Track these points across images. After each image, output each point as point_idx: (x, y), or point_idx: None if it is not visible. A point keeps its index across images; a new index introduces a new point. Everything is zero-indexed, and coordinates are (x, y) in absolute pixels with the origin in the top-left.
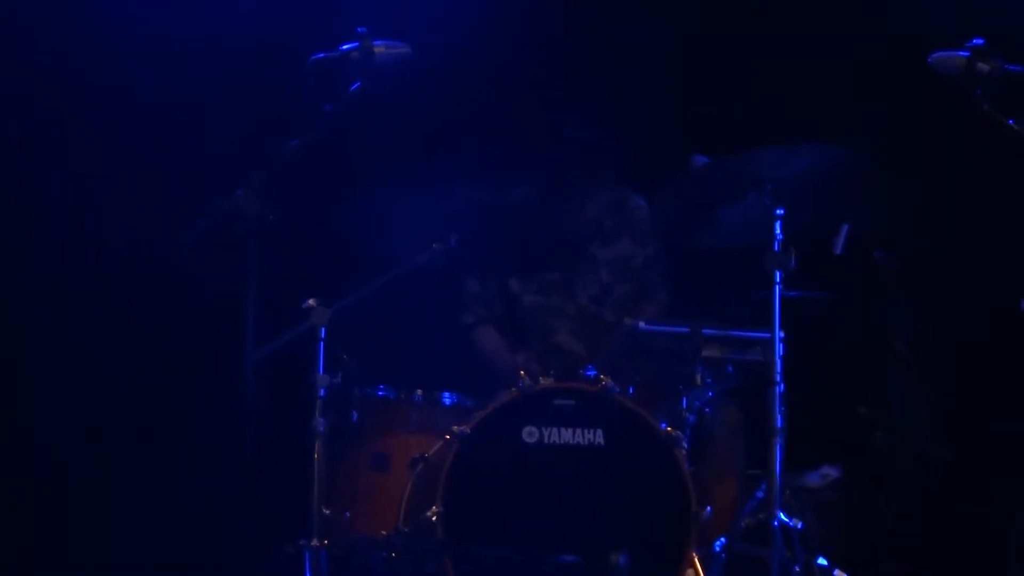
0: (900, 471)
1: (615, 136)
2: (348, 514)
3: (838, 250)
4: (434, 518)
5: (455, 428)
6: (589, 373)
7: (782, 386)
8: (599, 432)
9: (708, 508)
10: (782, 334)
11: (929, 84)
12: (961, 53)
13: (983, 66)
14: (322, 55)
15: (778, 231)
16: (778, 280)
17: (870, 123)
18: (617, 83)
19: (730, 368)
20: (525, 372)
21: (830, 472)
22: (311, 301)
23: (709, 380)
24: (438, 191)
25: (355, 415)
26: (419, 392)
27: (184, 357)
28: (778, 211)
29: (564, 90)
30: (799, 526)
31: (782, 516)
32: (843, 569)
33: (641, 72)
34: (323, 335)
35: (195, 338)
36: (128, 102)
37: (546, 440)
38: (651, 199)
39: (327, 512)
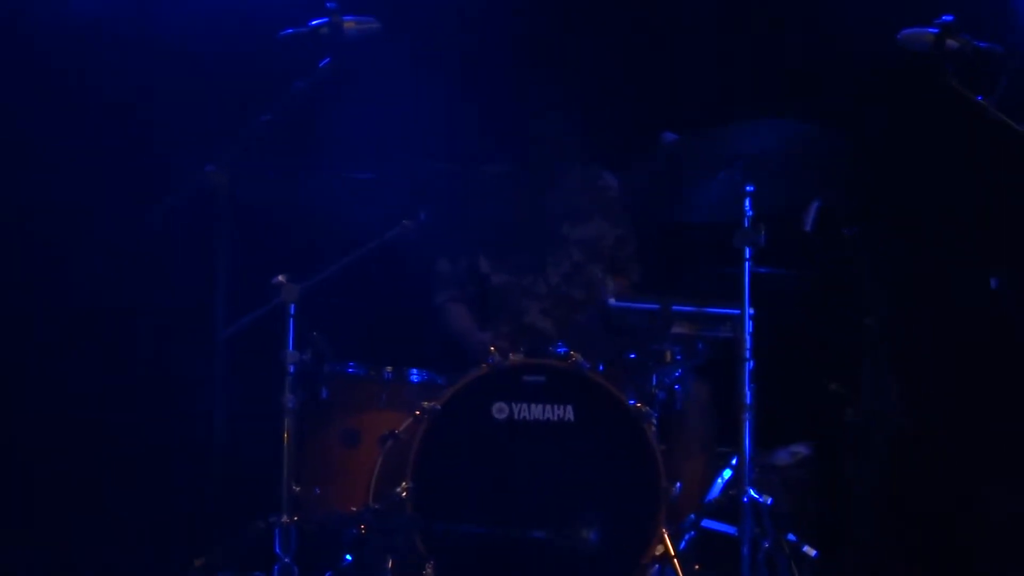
0: (870, 448)
1: (583, 113)
2: (318, 490)
3: (808, 227)
4: (404, 494)
5: (425, 404)
6: (559, 350)
7: (752, 363)
8: (569, 408)
9: (678, 484)
10: (752, 311)
11: (899, 60)
12: (930, 30)
13: (952, 43)
14: (291, 30)
15: (748, 208)
16: (748, 256)
17: (839, 99)
18: (585, 60)
19: (700, 345)
20: (495, 348)
21: (800, 450)
22: (280, 277)
23: (679, 357)
24: (407, 167)
25: (325, 392)
26: (389, 369)
27: (154, 334)
28: (748, 188)
29: (531, 67)
30: (769, 502)
31: (752, 492)
32: (812, 546)
33: (609, 48)
34: (293, 312)
35: (165, 315)
36: (93, 79)
37: (516, 416)
38: (621, 176)
39: (297, 488)
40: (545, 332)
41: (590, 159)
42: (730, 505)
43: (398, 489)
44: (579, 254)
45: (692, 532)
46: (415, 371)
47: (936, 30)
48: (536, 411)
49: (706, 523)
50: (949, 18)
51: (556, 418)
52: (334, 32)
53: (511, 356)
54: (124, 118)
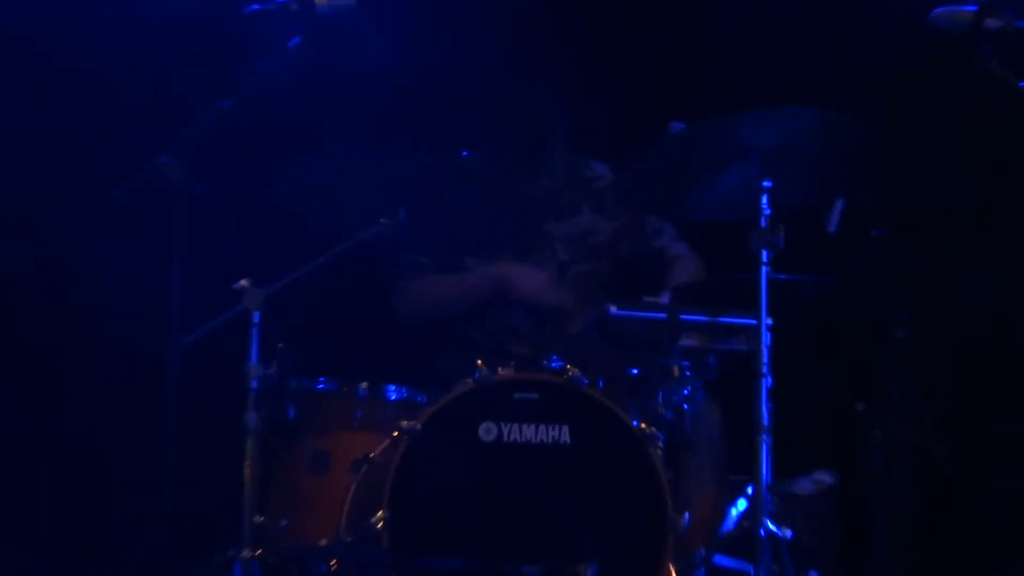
0: (900, 475)
1: (575, 100)
2: (284, 521)
3: (832, 228)
4: (380, 525)
5: (404, 424)
6: (554, 364)
7: (770, 379)
8: (565, 429)
9: (687, 515)
10: (770, 321)
11: (932, 41)
12: (968, 8)
13: (993, 22)
14: (257, 6)
15: (765, 205)
16: (765, 260)
17: (866, 85)
18: (578, 37)
19: (711, 359)
20: (483, 362)
21: (823, 477)
22: (243, 282)
23: (688, 372)
24: (386, 158)
25: (292, 410)
26: (364, 385)
27: (101, 343)
28: (765, 183)
29: (516, 45)
30: (788, 536)
31: (769, 525)
32: None
33: (604, 25)
34: (256, 320)
35: (113, 322)
36: (33, 56)
37: (505, 438)
38: (620, 170)
39: (260, 519)
40: (531, 337)
41: (579, 149)
42: (745, 539)
43: (373, 519)
44: (565, 252)
45: (703, 569)
46: (393, 387)
47: (975, 8)
48: (528, 432)
49: (718, 559)
50: None
51: (550, 440)
52: (305, 8)
53: (500, 371)
54: (67, 102)
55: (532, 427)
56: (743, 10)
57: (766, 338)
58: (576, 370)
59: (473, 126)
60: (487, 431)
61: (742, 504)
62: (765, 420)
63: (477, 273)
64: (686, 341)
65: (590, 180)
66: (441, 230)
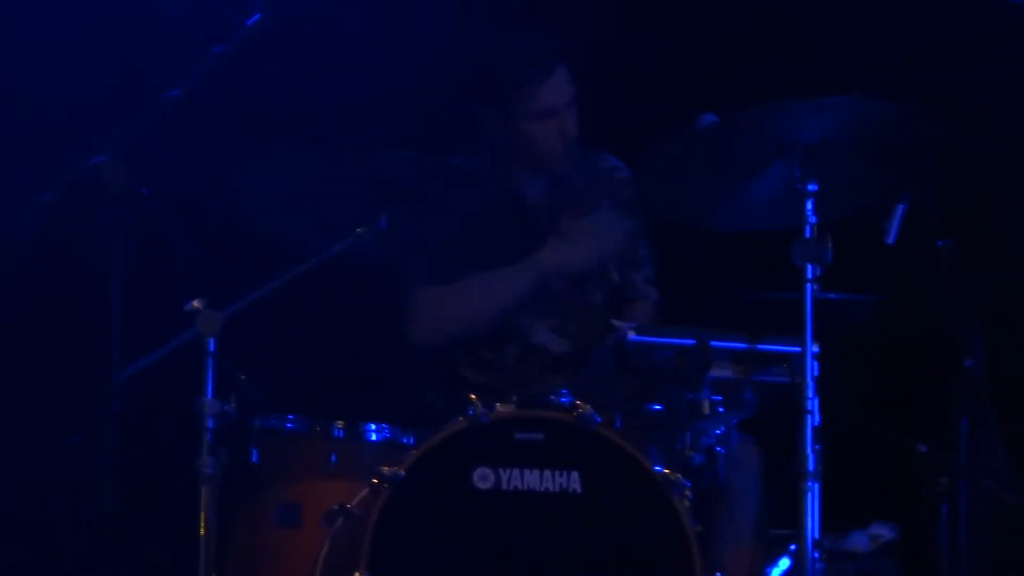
0: (971, 528)
1: (586, 90)
2: None
3: (891, 239)
4: None
5: (385, 470)
6: (562, 399)
7: (816, 417)
8: (575, 475)
9: None
10: (816, 348)
11: (1011, 19)
12: None
13: None
14: None
15: (810, 213)
16: (811, 277)
17: (931, 69)
18: (589, 17)
19: (748, 393)
20: (476, 397)
21: (881, 531)
22: (196, 303)
23: (721, 409)
24: (363, 157)
25: (255, 454)
26: (339, 424)
27: (28, 376)
28: (810, 186)
29: (519, 25)
30: None
31: None
32: None
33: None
34: (212, 348)
35: (43, 351)
36: None
37: (504, 485)
38: (639, 169)
39: None
40: (560, 354)
41: (592, 146)
42: None
43: None
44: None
45: None
46: (373, 427)
47: None
48: (531, 479)
49: None
50: None
51: (558, 488)
52: None
53: (499, 406)
54: None
55: (536, 473)
56: None
57: (812, 368)
58: (588, 406)
59: (467, 122)
60: (483, 478)
61: (784, 563)
62: (811, 465)
63: (512, 268)
64: (718, 372)
65: (606, 171)
66: (432, 240)
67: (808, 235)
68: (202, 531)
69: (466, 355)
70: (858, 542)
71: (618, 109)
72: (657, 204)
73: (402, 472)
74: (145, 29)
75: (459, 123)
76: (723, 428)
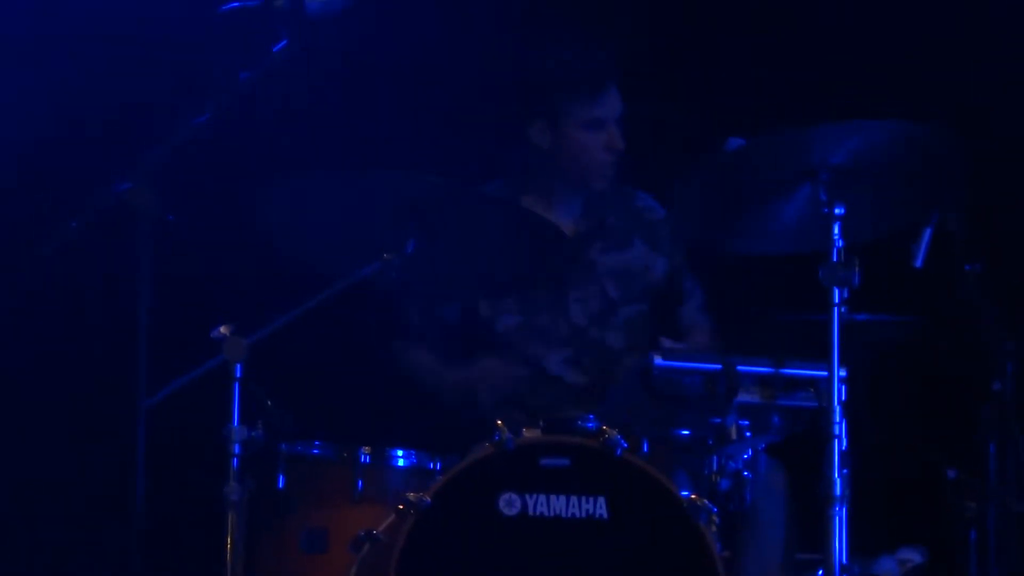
0: (1002, 553)
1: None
2: None
3: (919, 262)
4: None
5: (411, 497)
6: (589, 424)
7: (844, 441)
8: (601, 501)
9: None
10: (843, 372)
11: None
12: None
13: None
14: (236, 4)
15: (837, 236)
16: (838, 300)
17: (961, 90)
18: (619, 41)
19: (775, 417)
20: (503, 422)
21: (910, 556)
22: (223, 329)
23: (748, 434)
24: (390, 183)
25: (282, 480)
26: (366, 450)
27: (55, 403)
28: (837, 209)
29: (551, 44)
30: None
31: None
32: None
33: (647, 28)
34: (239, 374)
35: (70, 377)
36: None
37: (530, 511)
38: (667, 195)
39: None
40: (575, 385)
41: (623, 180)
42: None
43: None
44: (614, 289)
45: None
46: (399, 453)
47: None
48: (558, 505)
49: None
50: None
51: (584, 514)
52: (293, 6)
53: (524, 432)
54: (12, 116)
55: (562, 499)
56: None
57: (839, 392)
58: (614, 431)
59: (496, 149)
60: (509, 504)
61: None
62: (839, 489)
63: (461, 374)
64: (745, 397)
65: (640, 211)
66: (456, 270)
67: (835, 258)
68: (228, 557)
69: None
70: (886, 567)
71: (649, 134)
72: (687, 229)
73: (428, 498)
74: (171, 55)
75: (493, 150)
76: (750, 452)
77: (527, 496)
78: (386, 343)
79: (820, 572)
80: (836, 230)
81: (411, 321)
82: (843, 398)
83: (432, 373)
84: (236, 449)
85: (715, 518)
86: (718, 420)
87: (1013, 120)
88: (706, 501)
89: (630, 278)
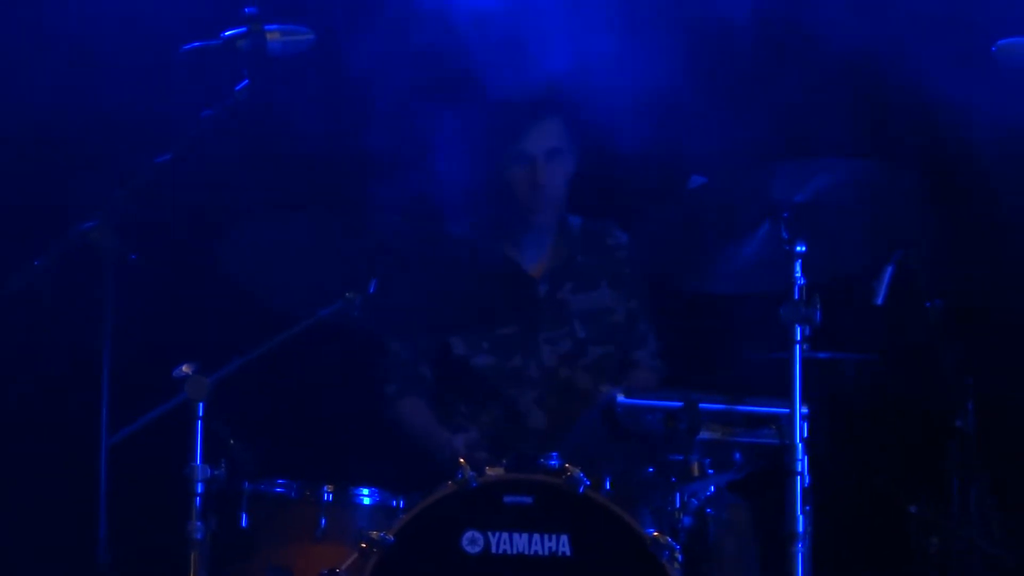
0: None
1: (582, 154)
2: None
3: (880, 300)
4: None
5: (374, 535)
6: (551, 462)
7: (806, 478)
8: (564, 539)
9: None
10: (805, 409)
11: (993, 77)
12: None
13: None
14: (198, 44)
15: (799, 273)
16: (799, 338)
17: (920, 130)
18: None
19: (737, 454)
20: (465, 460)
21: None
22: (185, 368)
23: (710, 471)
24: (352, 223)
25: (245, 518)
26: (329, 488)
27: (17, 440)
28: (799, 247)
29: (519, 95)
30: None
31: None
32: None
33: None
34: (201, 412)
35: (30, 417)
36: None
37: (494, 549)
38: (631, 233)
39: None
40: (538, 429)
41: (599, 213)
42: None
43: None
44: (583, 329)
45: None
46: (363, 491)
47: None
48: (520, 543)
49: None
50: None
51: (547, 552)
52: (255, 46)
53: (488, 470)
54: None
55: (525, 537)
56: (766, 42)
57: (801, 429)
58: (576, 469)
59: (460, 195)
60: (472, 542)
61: None
62: (800, 526)
63: (446, 438)
64: (707, 434)
65: (611, 250)
66: (422, 309)
67: (796, 296)
68: None
69: (442, 410)
70: None
71: (613, 174)
72: (650, 268)
73: (391, 536)
74: (133, 93)
75: (458, 193)
76: (712, 489)
77: (490, 534)
78: (372, 385)
79: None
80: (798, 268)
81: (398, 359)
82: (805, 435)
83: (425, 431)
84: (199, 488)
85: (678, 555)
86: (680, 457)
87: (973, 159)
88: (669, 538)
89: (596, 320)
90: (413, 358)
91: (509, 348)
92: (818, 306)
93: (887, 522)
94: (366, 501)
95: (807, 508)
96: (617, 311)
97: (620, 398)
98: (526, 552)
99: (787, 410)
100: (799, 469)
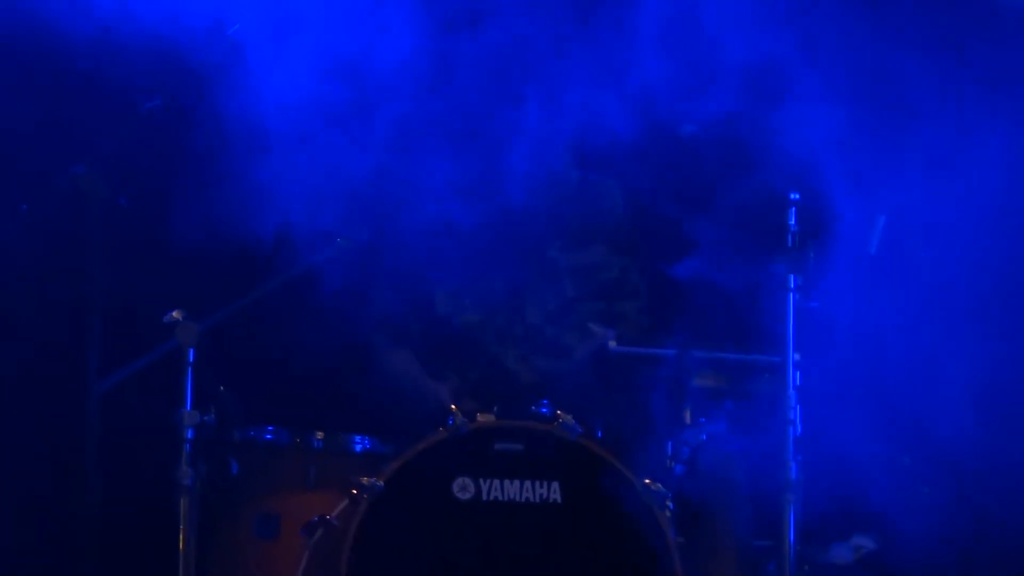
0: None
1: None
2: None
3: (872, 249)
4: None
5: (364, 481)
6: (543, 409)
7: (799, 427)
8: (555, 486)
9: None
10: (798, 357)
11: None
12: None
13: None
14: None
15: (792, 222)
16: (792, 286)
17: None
18: None
19: (729, 403)
20: (457, 407)
21: (864, 542)
22: (175, 314)
23: (702, 419)
24: (344, 165)
25: (234, 465)
26: (319, 435)
27: (6, 385)
28: (792, 195)
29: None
30: None
31: None
32: None
33: None
34: (191, 359)
35: (20, 363)
36: None
37: (484, 496)
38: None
39: None
40: (528, 382)
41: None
42: None
43: None
44: (573, 288)
45: None
46: (353, 438)
47: None
48: (511, 489)
49: None
50: None
51: (538, 499)
52: None
53: (479, 416)
54: None
55: (516, 483)
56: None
57: (795, 377)
58: (569, 416)
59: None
60: (462, 488)
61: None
62: (794, 475)
63: (433, 388)
64: (699, 382)
65: (604, 200)
66: (411, 258)
67: (789, 244)
68: (181, 542)
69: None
70: (840, 553)
71: None
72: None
73: (381, 483)
74: (121, 41)
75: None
76: (705, 438)
77: (481, 480)
78: (364, 335)
79: (774, 558)
80: (791, 214)
81: (388, 311)
82: (799, 384)
83: (414, 382)
84: (188, 434)
85: (669, 503)
86: (673, 406)
87: None
88: (660, 487)
89: (587, 277)
90: (401, 308)
91: (493, 305)
92: (812, 254)
93: (881, 472)
94: (356, 448)
95: (799, 458)
96: (610, 268)
97: (612, 346)
98: (517, 499)
99: (781, 358)
100: (792, 418)
